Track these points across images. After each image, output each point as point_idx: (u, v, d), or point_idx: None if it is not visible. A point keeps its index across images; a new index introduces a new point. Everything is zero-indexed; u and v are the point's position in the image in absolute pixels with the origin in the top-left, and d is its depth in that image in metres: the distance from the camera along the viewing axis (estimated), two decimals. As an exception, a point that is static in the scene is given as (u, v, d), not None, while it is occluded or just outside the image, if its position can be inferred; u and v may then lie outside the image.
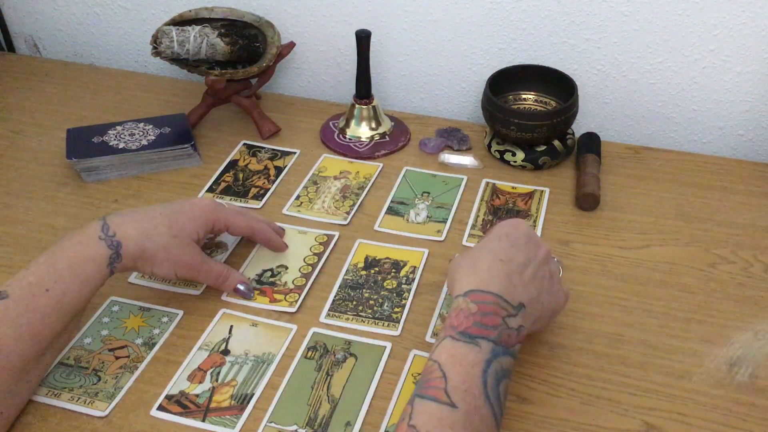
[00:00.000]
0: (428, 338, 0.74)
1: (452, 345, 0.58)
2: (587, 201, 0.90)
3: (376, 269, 0.82)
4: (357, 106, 1.03)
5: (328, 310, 0.77)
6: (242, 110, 1.08)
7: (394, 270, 0.82)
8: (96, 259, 0.67)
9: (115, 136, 0.99)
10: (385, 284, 0.80)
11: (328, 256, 0.84)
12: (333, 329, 0.75)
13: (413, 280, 0.81)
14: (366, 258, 0.84)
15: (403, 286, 0.80)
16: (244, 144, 1.04)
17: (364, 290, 0.79)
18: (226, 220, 0.76)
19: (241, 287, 0.78)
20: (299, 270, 0.82)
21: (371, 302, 0.78)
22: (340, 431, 0.65)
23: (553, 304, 0.68)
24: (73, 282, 0.65)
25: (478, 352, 0.58)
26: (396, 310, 0.77)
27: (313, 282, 0.81)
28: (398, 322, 0.76)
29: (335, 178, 0.97)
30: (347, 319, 0.76)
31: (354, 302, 0.78)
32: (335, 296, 0.79)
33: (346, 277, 0.81)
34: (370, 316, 0.76)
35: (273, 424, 0.66)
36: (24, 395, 0.65)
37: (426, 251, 0.84)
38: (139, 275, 0.81)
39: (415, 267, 0.82)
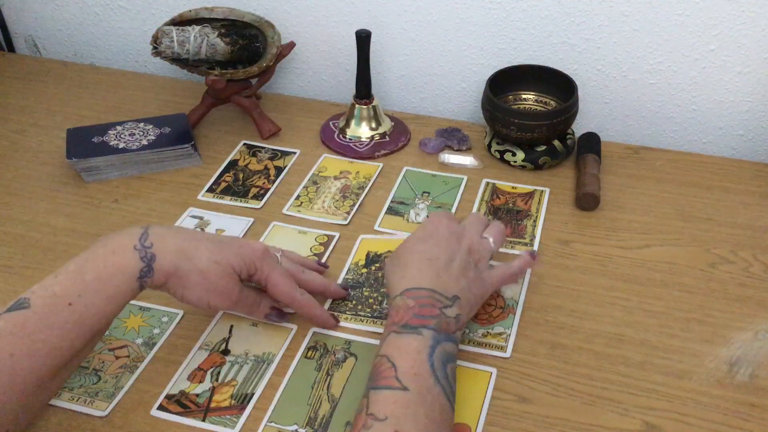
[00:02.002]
0: None
1: (396, 338, 0.62)
2: (587, 201, 0.90)
3: (377, 265, 0.82)
4: (357, 106, 1.03)
5: (327, 309, 0.77)
6: (242, 110, 1.08)
7: (383, 273, 0.81)
8: (126, 271, 0.62)
9: (115, 136, 0.99)
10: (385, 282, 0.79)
11: (328, 256, 0.84)
12: (337, 330, 0.75)
13: None
14: (367, 254, 0.84)
15: None
16: (244, 144, 1.04)
17: (364, 289, 0.79)
18: (268, 275, 0.69)
19: (272, 315, 0.74)
20: (299, 270, 0.82)
21: (370, 301, 0.78)
22: (340, 431, 0.65)
23: (482, 291, 0.71)
24: (98, 296, 0.61)
25: (421, 340, 0.61)
26: None
27: (313, 282, 0.81)
28: None
29: (335, 178, 0.97)
30: (346, 318, 0.76)
31: (353, 302, 0.78)
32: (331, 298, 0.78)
33: (347, 276, 0.81)
34: (369, 315, 0.76)
35: (273, 424, 0.66)
36: (34, 411, 0.63)
37: None
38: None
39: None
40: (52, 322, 0.59)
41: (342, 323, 0.76)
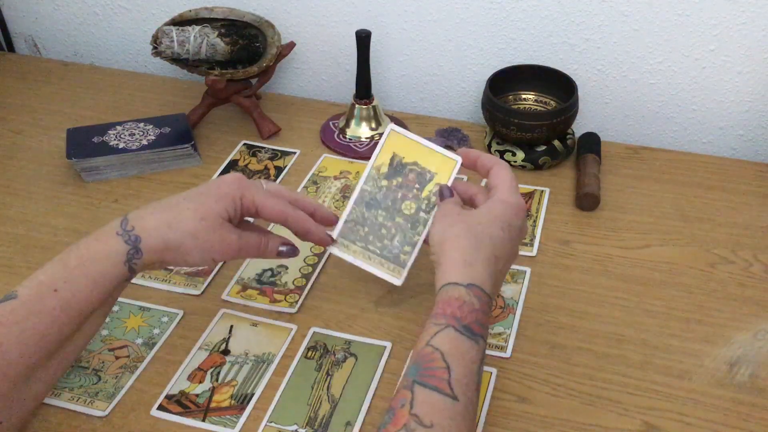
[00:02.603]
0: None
1: (456, 337, 0.58)
2: (587, 201, 0.90)
3: (399, 180, 0.72)
4: (357, 106, 1.03)
5: (339, 235, 0.72)
6: (242, 110, 1.08)
7: (417, 184, 0.72)
8: (111, 256, 0.62)
9: (115, 136, 0.99)
10: (403, 207, 0.72)
11: (328, 256, 0.84)
12: (337, 330, 0.75)
13: (433, 208, 0.71)
14: (393, 158, 0.73)
15: (421, 213, 0.71)
16: (244, 144, 1.04)
17: (379, 211, 0.72)
18: (254, 199, 0.67)
19: (284, 249, 0.71)
20: (299, 270, 0.82)
21: (383, 231, 0.71)
22: (340, 431, 0.65)
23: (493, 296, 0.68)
24: (83, 281, 0.61)
25: (478, 350, 0.58)
26: (406, 249, 0.71)
27: (313, 282, 0.81)
28: (403, 268, 0.70)
29: (335, 178, 0.97)
30: (355, 252, 0.71)
31: (366, 229, 0.72)
32: (349, 216, 0.72)
33: (364, 186, 0.72)
34: (378, 252, 0.71)
35: (273, 424, 0.66)
36: (29, 402, 0.62)
37: (459, 161, 0.71)
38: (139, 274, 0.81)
39: (440, 185, 0.71)
40: (39, 308, 0.59)
41: (348, 256, 0.72)
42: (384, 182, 0.72)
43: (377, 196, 0.72)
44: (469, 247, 0.62)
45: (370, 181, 0.72)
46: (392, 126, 0.73)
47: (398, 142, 0.73)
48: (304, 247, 0.85)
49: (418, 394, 0.54)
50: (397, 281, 0.70)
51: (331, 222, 0.73)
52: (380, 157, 0.73)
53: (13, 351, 0.58)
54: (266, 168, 0.99)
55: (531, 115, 0.97)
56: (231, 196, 0.66)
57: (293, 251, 0.72)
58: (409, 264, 0.71)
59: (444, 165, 0.72)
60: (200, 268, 0.78)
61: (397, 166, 0.72)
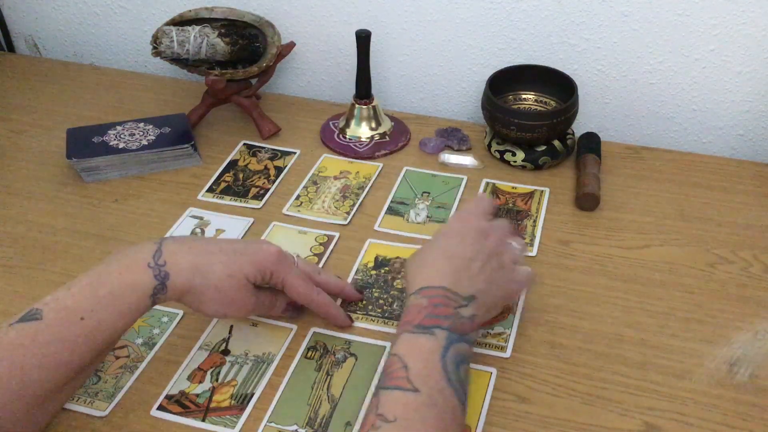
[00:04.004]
0: None
1: (409, 337, 0.61)
2: (587, 201, 0.90)
3: (386, 269, 0.82)
4: (357, 106, 1.03)
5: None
6: (242, 110, 1.08)
7: (404, 270, 0.80)
8: (139, 288, 0.62)
9: (115, 136, 0.99)
10: (395, 284, 0.80)
11: (328, 257, 0.84)
12: (337, 330, 0.75)
13: None
14: (376, 258, 0.84)
15: None
16: (244, 144, 1.04)
17: (374, 290, 0.79)
18: (285, 279, 0.69)
19: (288, 313, 0.75)
20: (299, 270, 0.82)
21: (381, 301, 0.78)
22: (340, 431, 0.65)
23: (504, 293, 0.69)
24: (110, 312, 0.61)
25: (435, 341, 0.60)
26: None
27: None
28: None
29: (335, 178, 0.97)
30: (357, 318, 0.76)
31: (364, 302, 0.78)
32: (342, 300, 0.78)
33: (356, 277, 0.81)
34: (380, 315, 0.76)
35: (273, 424, 0.66)
36: (42, 421, 0.62)
37: None
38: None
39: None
40: (64, 335, 0.59)
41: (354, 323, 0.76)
42: (373, 272, 0.81)
43: (369, 281, 0.80)
44: (417, 265, 0.68)
45: (360, 273, 0.81)
46: (370, 240, 0.85)
47: (378, 248, 0.84)
48: (304, 248, 0.85)
49: (381, 397, 0.57)
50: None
51: (357, 299, 0.78)
52: (365, 258, 0.83)
53: (33, 374, 0.58)
54: (266, 168, 0.99)
55: (531, 115, 0.97)
56: (264, 268, 0.68)
57: (298, 314, 0.76)
58: None
59: None
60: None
61: (382, 261, 0.82)
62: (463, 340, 0.62)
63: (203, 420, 0.66)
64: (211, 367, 0.71)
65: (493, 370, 0.70)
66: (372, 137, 1.04)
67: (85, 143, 0.97)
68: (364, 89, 1.02)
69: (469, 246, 0.67)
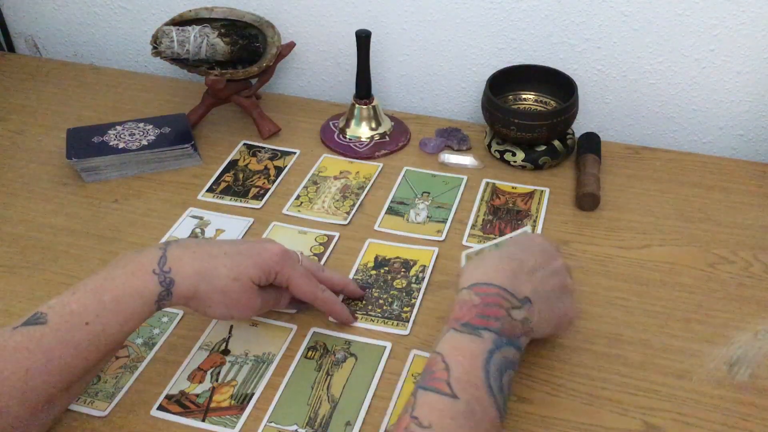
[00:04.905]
0: None
1: (454, 336, 0.59)
2: (587, 201, 0.90)
3: (386, 269, 0.82)
4: (357, 106, 1.03)
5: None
6: (242, 110, 1.08)
7: (403, 269, 0.82)
8: (144, 294, 0.62)
9: (115, 136, 0.99)
10: (395, 284, 0.80)
11: (328, 257, 0.84)
12: (337, 330, 0.75)
13: (423, 279, 0.81)
14: (376, 258, 0.84)
15: (412, 285, 0.80)
16: (244, 144, 1.04)
17: (373, 290, 0.79)
18: (289, 277, 0.70)
19: (291, 309, 0.76)
20: (299, 270, 0.82)
21: (381, 301, 0.78)
22: (340, 431, 0.65)
23: (565, 310, 0.67)
24: (115, 317, 0.61)
25: (481, 343, 0.58)
26: (405, 309, 0.77)
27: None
28: (407, 321, 0.76)
29: (335, 178, 0.97)
30: (357, 318, 0.76)
31: (363, 302, 0.78)
32: (344, 297, 0.78)
33: (355, 277, 0.81)
34: (380, 315, 0.76)
35: (273, 424, 0.66)
36: (44, 424, 0.62)
37: (436, 249, 0.84)
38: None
39: (425, 266, 0.82)
40: (68, 340, 0.59)
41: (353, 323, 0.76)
42: (373, 272, 0.82)
43: (369, 281, 0.80)
44: (474, 264, 0.65)
45: (360, 273, 0.81)
46: (370, 240, 0.86)
47: (378, 248, 0.85)
48: (304, 248, 0.85)
49: (419, 398, 0.55)
50: (404, 332, 0.75)
51: (360, 296, 0.78)
52: (364, 258, 0.83)
53: (37, 378, 0.58)
54: (266, 168, 0.99)
55: (531, 115, 0.97)
56: (269, 269, 0.68)
57: (300, 308, 0.77)
58: (412, 318, 0.76)
59: (423, 253, 0.84)
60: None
61: (381, 261, 0.83)
62: (512, 345, 0.60)
63: (203, 420, 0.66)
64: (211, 367, 0.71)
65: (493, 370, 0.70)
66: (372, 137, 1.04)
67: (85, 143, 0.97)
68: (364, 89, 1.02)
69: (532, 255, 0.66)
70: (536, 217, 0.90)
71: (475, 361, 0.57)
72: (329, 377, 0.70)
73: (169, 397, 0.68)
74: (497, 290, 0.61)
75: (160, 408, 0.67)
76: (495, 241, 0.78)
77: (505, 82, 1.02)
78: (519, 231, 0.79)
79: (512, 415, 0.67)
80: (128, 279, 0.62)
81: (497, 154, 0.99)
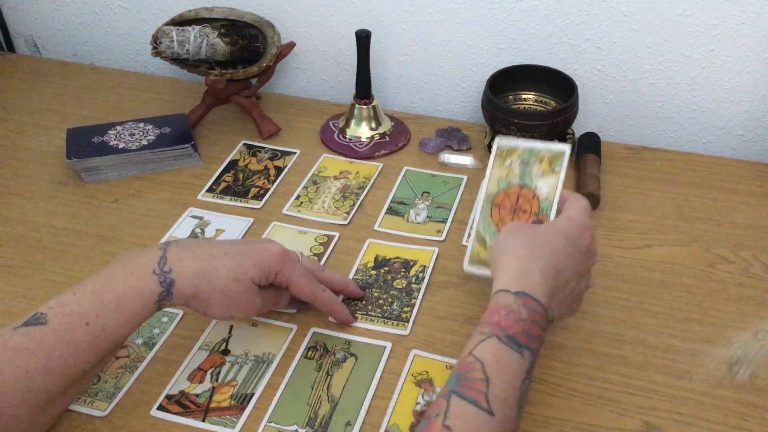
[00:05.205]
0: (466, 266, 0.70)
1: (499, 348, 0.57)
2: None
3: (386, 269, 0.82)
4: (357, 106, 1.03)
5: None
6: (242, 110, 1.08)
7: (403, 269, 0.82)
8: (144, 294, 0.63)
9: (115, 136, 0.99)
10: (395, 284, 0.80)
11: (328, 257, 0.84)
12: (337, 330, 0.75)
13: (423, 279, 0.81)
14: (376, 258, 0.84)
15: (412, 285, 0.80)
16: (244, 144, 1.04)
17: (373, 290, 0.79)
18: (289, 277, 0.70)
19: (291, 309, 0.76)
20: (299, 270, 0.82)
21: (380, 302, 0.78)
22: (340, 431, 0.65)
23: (566, 312, 0.68)
24: (115, 317, 0.61)
25: (522, 363, 0.57)
26: (405, 309, 0.77)
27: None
28: (407, 321, 0.76)
29: (335, 178, 0.97)
30: (356, 318, 0.76)
31: (363, 302, 0.78)
32: (344, 297, 0.78)
33: (355, 277, 0.81)
34: (380, 315, 0.76)
35: (273, 424, 0.66)
36: (44, 425, 0.63)
37: (436, 249, 0.84)
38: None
39: (425, 266, 0.82)
40: (69, 340, 0.59)
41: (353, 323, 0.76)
42: (373, 272, 0.82)
43: (369, 281, 0.80)
44: (526, 256, 0.62)
45: (360, 273, 0.81)
46: (370, 240, 0.85)
47: (378, 248, 0.84)
48: (304, 248, 0.85)
49: (453, 405, 0.54)
50: (404, 332, 0.75)
51: (360, 296, 0.78)
52: (364, 258, 0.83)
53: (38, 379, 0.58)
54: (266, 168, 0.99)
55: (531, 115, 0.97)
56: (269, 270, 0.68)
57: (300, 308, 0.77)
58: (412, 318, 0.76)
59: (423, 253, 0.84)
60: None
61: (381, 261, 0.82)
62: (536, 361, 0.59)
63: (203, 420, 0.66)
64: (211, 367, 0.71)
65: (493, 370, 0.70)
66: (372, 137, 1.04)
67: (85, 143, 0.97)
68: (364, 89, 1.02)
69: (577, 262, 0.64)
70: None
71: (515, 381, 0.56)
72: (329, 377, 0.70)
73: (169, 397, 0.68)
74: (541, 309, 0.60)
75: (160, 408, 0.67)
76: (530, 144, 0.72)
77: (505, 82, 1.02)
78: (558, 147, 0.71)
79: (512, 415, 0.67)
80: (128, 279, 0.63)
81: (497, 154, 0.99)
